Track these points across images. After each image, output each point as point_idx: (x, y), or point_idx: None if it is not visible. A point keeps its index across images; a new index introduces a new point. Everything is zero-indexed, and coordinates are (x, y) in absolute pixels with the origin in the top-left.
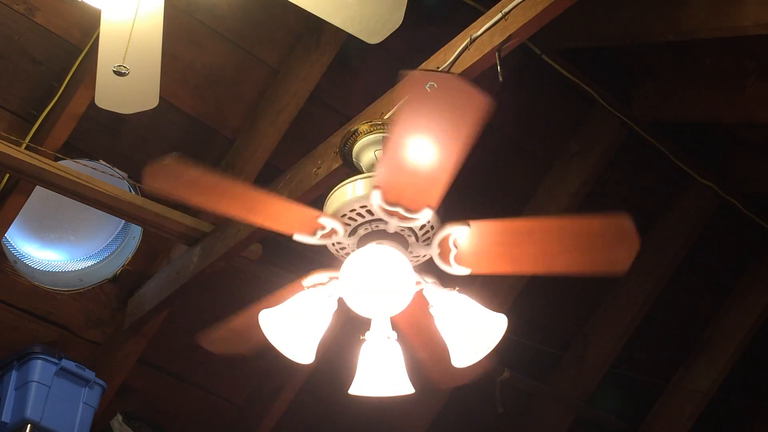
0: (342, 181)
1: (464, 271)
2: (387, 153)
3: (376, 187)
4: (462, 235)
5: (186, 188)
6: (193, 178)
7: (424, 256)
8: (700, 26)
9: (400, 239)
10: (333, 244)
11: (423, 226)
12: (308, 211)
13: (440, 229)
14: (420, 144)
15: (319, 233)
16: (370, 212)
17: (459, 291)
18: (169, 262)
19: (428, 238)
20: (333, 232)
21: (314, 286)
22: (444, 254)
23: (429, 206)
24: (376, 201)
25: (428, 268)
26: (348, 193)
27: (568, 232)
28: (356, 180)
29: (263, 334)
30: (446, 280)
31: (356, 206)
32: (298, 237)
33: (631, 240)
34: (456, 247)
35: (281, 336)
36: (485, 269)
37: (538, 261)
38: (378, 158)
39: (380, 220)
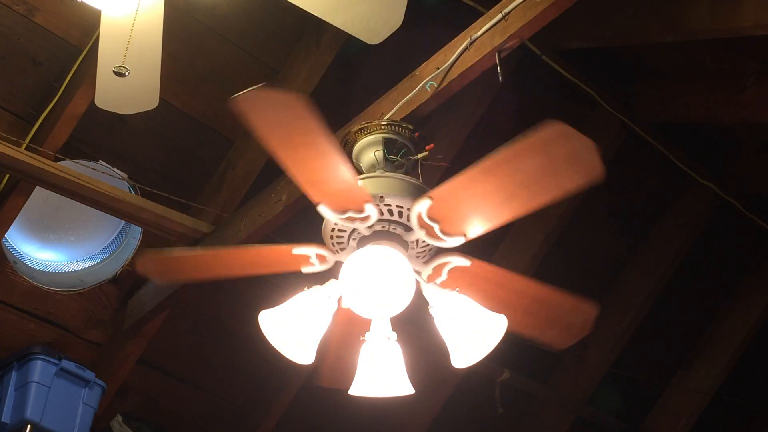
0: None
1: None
2: (465, 176)
3: (429, 197)
4: (430, 206)
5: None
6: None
7: (424, 244)
8: (700, 26)
9: (403, 244)
10: (332, 236)
11: (401, 214)
12: (360, 190)
13: (443, 253)
14: (505, 187)
15: (349, 214)
16: (390, 212)
17: (459, 291)
18: None
19: (425, 254)
20: (365, 219)
21: (304, 258)
22: (430, 232)
23: (464, 236)
24: (420, 208)
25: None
26: (399, 187)
27: (541, 302)
28: (403, 179)
29: (210, 275)
30: (468, 250)
31: (332, 226)
32: (323, 208)
33: (584, 327)
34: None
35: (281, 336)
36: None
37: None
38: (378, 158)
39: (400, 223)
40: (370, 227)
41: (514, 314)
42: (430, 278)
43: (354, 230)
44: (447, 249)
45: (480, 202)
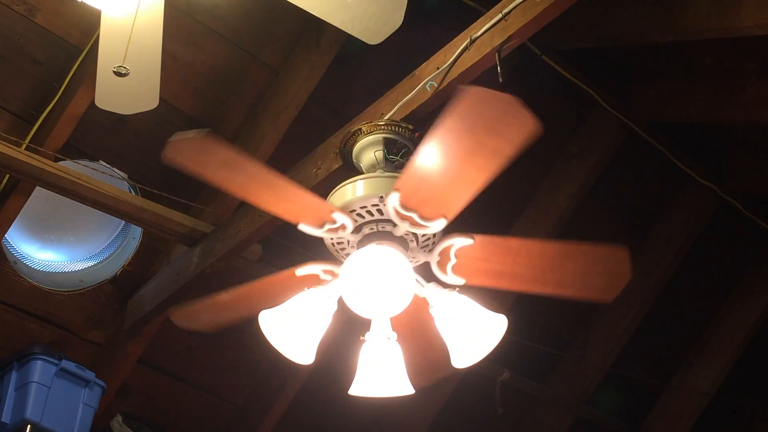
0: (342, 181)
1: (459, 281)
2: (417, 159)
3: (396, 189)
4: (464, 246)
5: (203, 164)
6: (213, 152)
7: (421, 260)
8: (700, 27)
9: (402, 241)
10: (333, 243)
11: (427, 234)
12: (321, 203)
13: (443, 237)
14: (455, 155)
15: (327, 227)
16: (371, 212)
17: (459, 291)
18: (169, 262)
19: (428, 243)
20: (341, 227)
21: (308, 278)
22: (442, 263)
23: (444, 217)
24: (392, 203)
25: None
26: (359, 189)
27: (566, 258)
28: (370, 178)
29: (234, 316)
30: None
31: (368, 204)
32: (303, 227)
33: (625, 270)
34: (456, 257)
35: (281, 337)
36: (479, 282)
37: (532, 282)
38: (378, 159)
39: (387, 221)
40: (357, 232)
41: (544, 276)
42: (441, 265)
43: (379, 222)
44: (443, 233)
45: (438, 180)
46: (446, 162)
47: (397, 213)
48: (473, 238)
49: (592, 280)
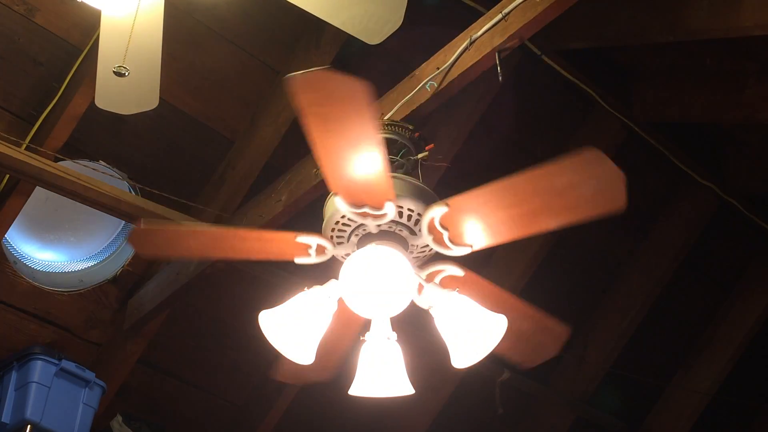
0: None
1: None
2: (491, 186)
3: (335, 194)
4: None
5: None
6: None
7: (427, 248)
8: (700, 27)
9: (397, 238)
10: (332, 232)
11: (410, 218)
12: (286, 236)
13: (422, 214)
14: (530, 202)
15: (311, 252)
16: (409, 216)
17: (459, 291)
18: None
19: (415, 229)
20: (322, 248)
21: (304, 247)
22: (438, 239)
23: (388, 199)
24: (343, 208)
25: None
26: (327, 208)
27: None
28: (332, 195)
29: (204, 252)
30: (464, 262)
31: (338, 218)
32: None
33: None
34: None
35: (281, 336)
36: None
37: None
38: None
39: (407, 226)
40: (378, 225)
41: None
42: (437, 241)
43: (359, 226)
44: (446, 257)
45: (494, 217)
46: (515, 203)
47: (431, 225)
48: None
49: (527, 346)
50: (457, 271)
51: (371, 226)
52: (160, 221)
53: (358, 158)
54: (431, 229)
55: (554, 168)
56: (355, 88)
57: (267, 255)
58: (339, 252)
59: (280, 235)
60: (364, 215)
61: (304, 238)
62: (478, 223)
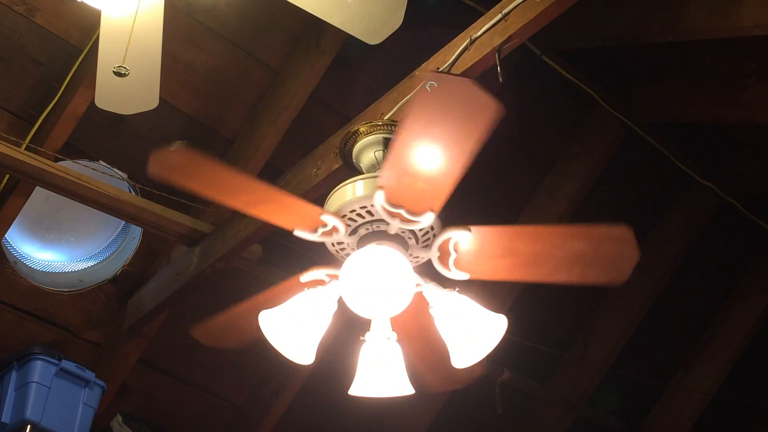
0: (342, 181)
1: (463, 276)
2: (392, 154)
3: (380, 187)
4: (463, 239)
5: (190, 177)
6: (199, 166)
7: (423, 258)
8: (700, 27)
9: (400, 240)
10: (333, 244)
11: (423, 229)
12: (310, 208)
13: (441, 232)
14: (426, 147)
15: (320, 230)
16: (370, 213)
17: (459, 292)
18: (168, 262)
19: (428, 240)
20: (334, 230)
21: (312, 283)
22: (443, 258)
23: (431, 210)
24: (378, 202)
25: (426, 271)
26: (349, 192)
27: (568, 240)
28: (358, 180)
29: (257, 329)
30: (444, 282)
31: (357, 206)
32: (298, 232)
33: (631, 250)
34: (456, 251)
35: (281, 337)
36: (484, 275)
37: (537, 269)
38: (378, 159)
39: (381, 221)
40: (353, 234)
41: (549, 262)
42: (442, 260)
43: (375, 222)
44: (440, 225)
45: (416, 172)
46: (419, 153)
47: (386, 211)
48: (470, 230)
49: (600, 262)
50: (462, 232)
51: (394, 227)
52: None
53: (263, 202)
54: (389, 213)
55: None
56: (188, 154)
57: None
58: (343, 241)
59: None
60: (327, 234)
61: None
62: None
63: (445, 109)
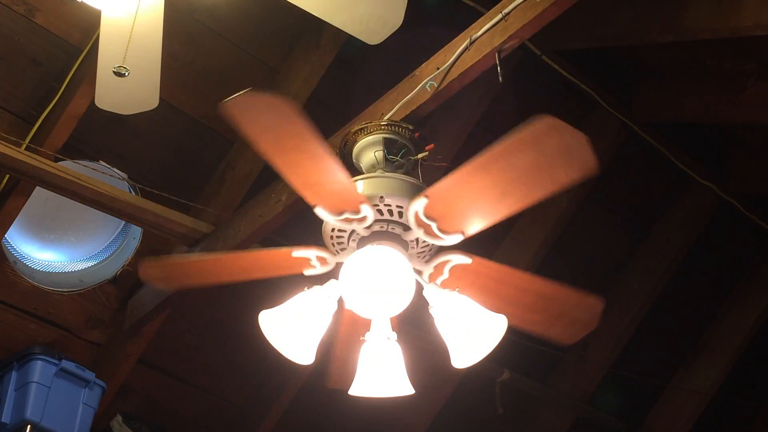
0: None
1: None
2: (460, 172)
3: (425, 195)
4: (426, 205)
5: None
6: (278, 115)
7: (424, 242)
8: (700, 27)
9: (403, 244)
10: (332, 236)
11: (401, 214)
12: (354, 190)
13: (443, 252)
14: (500, 180)
15: (346, 215)
16: (379, 212)
17: (459, 291)
18: None
19: (425, 253)
20: (360, 220)
21: (301, 260)
22: (434, 276)
23: (462, 233)
24: (416, 207)
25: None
26: (397, 186)
27: (546, 298)
28: (370, 178)
29: (211, 280)
30: (469, 248)
31: (329, 228)
32: (319, 210)
33: (591, 322)
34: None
35: (281, 336)
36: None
37: (509, 309)
38: (378, 159)
39: (398, 223)
40: (368, 228)
41: (518, 311)
42: (432, 277)
43: (353, 231)
44: (447, 247)
45: (475, 199)
46: (489, 186)
47: (417, 218)
48: (472, 259)
49: (561, 323)
50: (464, 259)
51: (360, 229)
52: (162, 257)
53: (317, 170)
54: (419, 222)
55: (515, 143)
56: (284, 104)
57: (271, 273)
58: (343, 258)
59: (275, 253)
60: (348, 221)
61: (300, 252)
62: (460, 209)
63: (545, 154)
